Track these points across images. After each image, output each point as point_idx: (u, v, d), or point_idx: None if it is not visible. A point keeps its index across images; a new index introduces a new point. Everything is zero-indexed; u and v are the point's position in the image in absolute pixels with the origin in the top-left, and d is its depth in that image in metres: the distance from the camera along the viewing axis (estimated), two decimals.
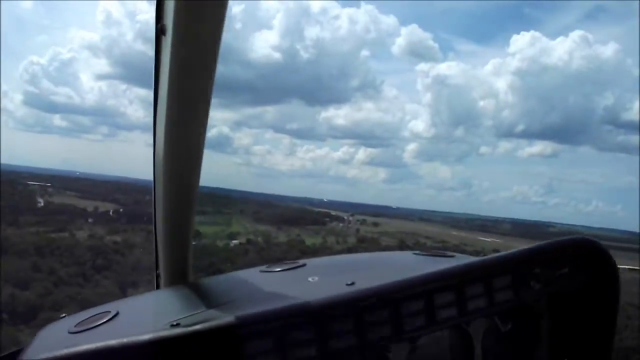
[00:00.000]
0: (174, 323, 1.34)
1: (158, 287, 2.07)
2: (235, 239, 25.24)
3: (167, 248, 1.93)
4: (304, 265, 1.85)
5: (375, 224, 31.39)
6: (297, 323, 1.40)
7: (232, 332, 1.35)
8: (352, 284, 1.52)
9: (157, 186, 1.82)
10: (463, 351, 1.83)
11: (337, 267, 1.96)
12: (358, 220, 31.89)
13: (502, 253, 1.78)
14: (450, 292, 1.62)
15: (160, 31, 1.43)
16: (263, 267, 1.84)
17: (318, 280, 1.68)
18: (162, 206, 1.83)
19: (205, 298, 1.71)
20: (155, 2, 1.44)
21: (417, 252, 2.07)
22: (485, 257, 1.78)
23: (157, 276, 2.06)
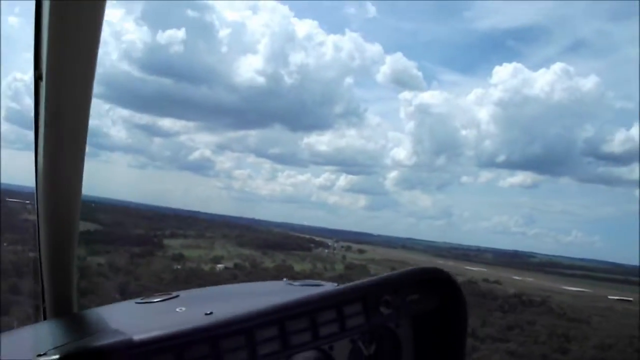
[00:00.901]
0: (42, 353, 1.42)
1: (45, 317, 2.15)
2: (219, 263, 25.18)
3: (51, 279, 2.01)
4: (177, 296, 1.98)
5: (361, 251, 31.41)
6: (152, 351, 1.49)
7: None
8: (211, 313, 1.65)
9: (40, 222, 1.91)
10: None
11: (206, 297, 2.11)
12: (343, 247, 31.89)
13: (355, 282, 1.89)
14: (303, 318, 1.75)
15: (37, 78, 1.54)
16: (139, 299, 1.95)
17: (185, 310, 1.80)
18: (45, 240, 1.93)
19: (81, 329, 1.83)
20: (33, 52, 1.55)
21: (289, 281, 2.24)
22: (339, 287, 1.90)
23: (44, 307, 2.15)
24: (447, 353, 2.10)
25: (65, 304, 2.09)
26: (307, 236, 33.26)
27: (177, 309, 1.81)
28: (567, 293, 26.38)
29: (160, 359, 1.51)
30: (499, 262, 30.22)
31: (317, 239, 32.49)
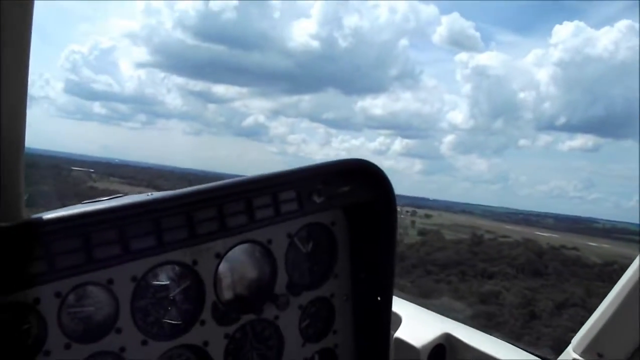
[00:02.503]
0: None
1: None
2: None
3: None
4: (125, 194, 2.13)
5: (427, 216, 31.29)
6: (58, 230, 1.62)
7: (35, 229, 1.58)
8: (151, 194, 1.82)
9: None
10: (269, 268, 2.16)
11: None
12: (407, 211, 31.91)
13: (287, 170, 2.03)
14: (240, 201, 1.92)
15: None
16: (87, 200, 2.03)
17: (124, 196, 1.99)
18: None
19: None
20: None
21: None
22: (270, 173, 2.00)
23: None
24: (381, 246, 2.27)
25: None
26: None
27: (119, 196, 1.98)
28: None
29: (69, 238, 1.66)
30: (562, 228, 29.99)
31: None
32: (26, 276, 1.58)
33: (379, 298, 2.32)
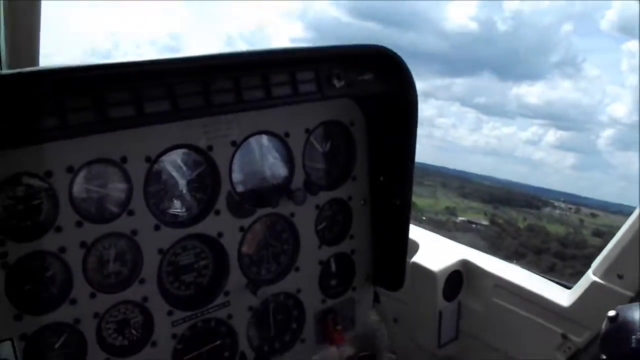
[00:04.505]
0: None
1: None
2: (454, 214, 23.82)
3: None
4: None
5: (593, 215, 28.19)
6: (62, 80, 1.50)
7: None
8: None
9: None
10: (286, 164, 2.13)
11: None
12: (570, 208, 29.02)
13: (304, 46, 2.02)
14: (255, 75, 1.82)
15: None
16: None
17: None
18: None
19: None
20: None
21: None
22: (287, 47, 1.97)
23: None
24: (400, 147, 2.16)
25: None
26: (527, 192, 31.00)
27: None
28: None
29: (82, 93, 1.54)
30: None
31: (543, 198, 30.09)
32: (35, 131, 1.51)
33: (397, 202, 2.28)
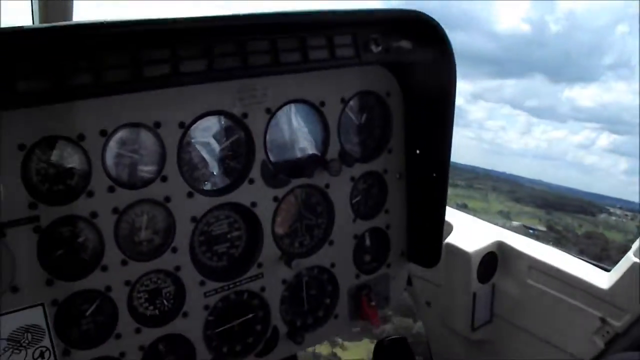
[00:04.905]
0: None
1: None
2: (509, 219, 23.32)
3: None
4: None
5: None
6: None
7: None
8: None
9: None
10: (321, 133, 2.10)
11: None
12: (627, 215, 27.70)
13: (341, 9, 1.84)
14: (291, 38, 1.79)
15: None
16: None
17: None
18: None
19: None
20: None
21: None
22: (323, 9, 1.81)
23: None
24: (437, 118, 2.10)
25: None
26: (580, 198, 29.79)
27: None
28: None
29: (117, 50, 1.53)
30: None
31: (597, 202, 28.82)
32: (69, 88, 1.49)
33: (434, 174, 2.23)
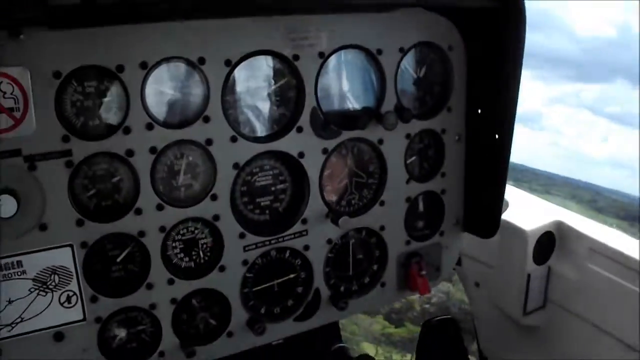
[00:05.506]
0: None
1: None
2: None
3: None
4: None
5: None
6: None
7: None
8: None
9: None
10: (377, 84, 1.98)
11: None
12: None
13: None
14: None
15: None
16: None
17: None
18: None
19: None
20: None
21: None
22: None
23: None
24: (503, 75, 1.94)
25: None
26: None
27: None
28: None
29: None
30: None
31: None
32: (100, 5, 1.38)
33: (496, 136, 2.06)
